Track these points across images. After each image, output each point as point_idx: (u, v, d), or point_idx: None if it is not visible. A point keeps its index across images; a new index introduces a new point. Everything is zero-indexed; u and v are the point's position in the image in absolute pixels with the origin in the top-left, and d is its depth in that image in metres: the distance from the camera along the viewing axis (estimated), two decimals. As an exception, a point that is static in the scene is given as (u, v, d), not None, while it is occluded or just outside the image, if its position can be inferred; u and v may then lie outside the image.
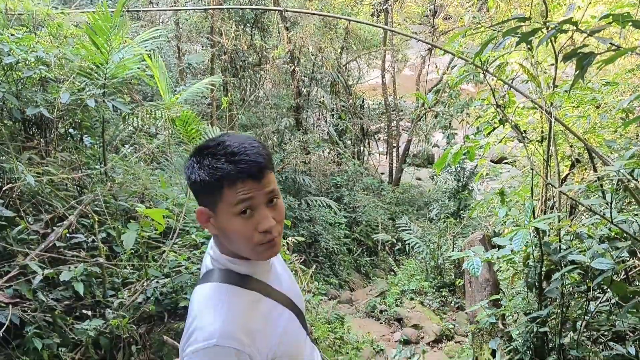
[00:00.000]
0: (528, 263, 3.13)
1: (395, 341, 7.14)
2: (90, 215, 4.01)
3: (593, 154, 3.30)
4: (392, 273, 9.94)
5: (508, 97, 4.69)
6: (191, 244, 4.39)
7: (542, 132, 4.91)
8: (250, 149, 1.29)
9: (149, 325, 3.97)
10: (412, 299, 8.29)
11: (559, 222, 2.81)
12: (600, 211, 2.81)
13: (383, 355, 6.51)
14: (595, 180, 2.89)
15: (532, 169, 3.17)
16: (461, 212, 10.86)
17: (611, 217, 2.48)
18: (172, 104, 6.01)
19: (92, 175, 4.58)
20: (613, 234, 2.68)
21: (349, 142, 14.06)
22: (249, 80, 11.20)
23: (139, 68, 5.34)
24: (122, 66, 4.94)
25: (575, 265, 2.73)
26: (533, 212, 2.84)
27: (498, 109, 4.68)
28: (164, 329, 3.95)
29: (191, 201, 4.89)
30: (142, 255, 4.17)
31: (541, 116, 4.97)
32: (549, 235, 3.07)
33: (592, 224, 2.82)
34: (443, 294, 8.52)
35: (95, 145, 5.41)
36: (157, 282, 4.03)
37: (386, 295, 8.47)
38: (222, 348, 1.22)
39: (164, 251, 4.27)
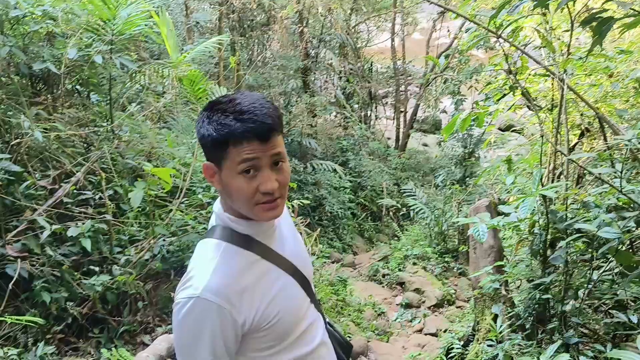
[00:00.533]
0: (533, 231, 3.13)
1: (397, 304, 7.23)
2: (97, 172, 4.01)
3: (604, 123, 3.26)
4: (396, 238, 9.98)
5: (521, 63, 4.62)
6: (198, 204, 4.42)
7: (553, 100, 4.85)
8: (260, 109, 1.28)
9: (155, 282, 4.04)
10: (415, 264, 8.35)
11: (566, 190, 2.80)
12: (609, 180, 2.79)
13: (384, 318, 6.60)
14: (606, 149, 2.87)
15: (541, 136, 3.14)
16: (467, 179, 10.84)
17: (620, 186, 2.46)
18: (179, 63, 5.95)
19: (99, 133, 4.57)
20: (621, 203, 2.67)
21: (356, 105, 13.94)
22: (256, 40, 11.06)
23: (146, 25, 5.27)
24: (129, 22, 4.87)
25: (581, 234, 2.73)
26: (541, 180, 2.82)
27: (509, 76, 4.62)
28: (170, 286, 4.01)
29: (198, 161, 4.90)
30: (149, 213, 4.20)
31: (552, 84, 4.90)
32: (555, 204, 3.07)
33: (600, 194, 2.81)
34: (446, 259, 8.57)
35: (102, 103, 5.39)
36: (163, 240, 4.07)
37: (389, 259, 8.53)
38: (204, 301, 1.24)
39: (171, 210, 4.30)
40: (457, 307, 7.33)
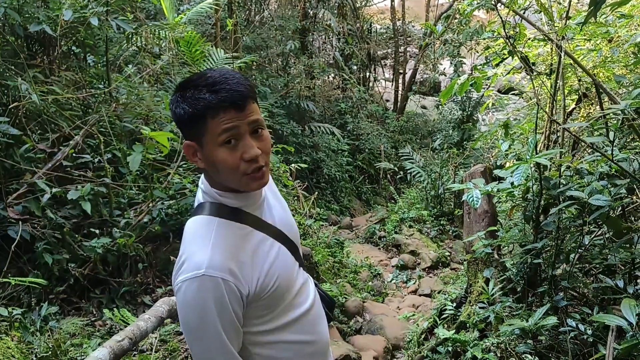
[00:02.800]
0: (527, 197, 3.18)
1: (393, 266, 7.35)
2: (95, 135, 4.03)
3: (601, 90, 3.27)
4: (393, 201, 10.07)
5: (519, 29, 4.59)
6: (196, 167, 4.44)
7: (551, 65, 4.83)
8: (232, 79, 1.30)
9: (154, 244, 4.10)
10: (410, 226, 8.45)
11: (560, 157, 2.83)
12: (602, 149, 2.82)
13: (380, 279, 6.72)
14: (600, 117, 2.89)
15: (537, 104, 3.16)
16: (464, 142, 10.86)
17: (612, 154, 2.50)
18: (176, 24, 5.89)
19: (97, 95, 4.57)
20: (613, 171, 2.71)
21: (354, 67, 13.82)
22: (254, 0, 10.89)
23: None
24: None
25: (573, 201, 2.78)
26: (536, 146, 2.85)
27: (507, 41, 4.59)
28: (169, 248, 4.08)
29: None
30: (148, 176, 4.23)
31: (551, 49, 4.88)
32: (549, 170, 3.11)
33: (593, 161, 2.84)
34: (441, 222, 8.67)
35: (99, 65, 5.36)
36: (162, 203, 4.12)
37: (386, 222, 8.63)
38: (209, 278, 1.25)
39: (169, 174, 4.33)
40: (451, 269, 7.45)
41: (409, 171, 9.45)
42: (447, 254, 7.80)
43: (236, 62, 6.76)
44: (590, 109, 4.65)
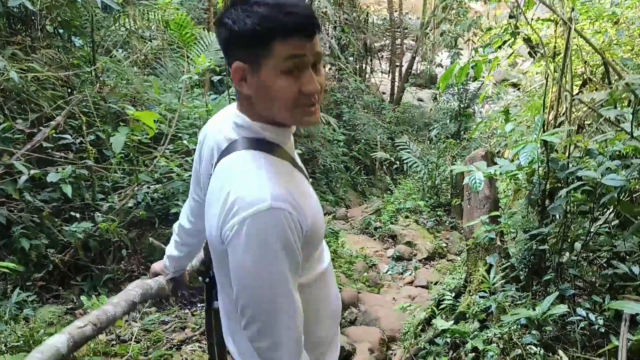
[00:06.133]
0: (532, 180, 3.01)
1: (388, 257, 7.18)
2: (78, 116, 3.83)
3: (610, 69, 3.09)
4: (389, 192, 9.88)
5: (523, 8, 4.40)
6: (183, 151, 4.25)
7: (555, 47, 4.66)
8: (301, 4, 1.16)
9: (139, 230, 3.92)
10: (407, 217, 8.28)
11: (569, 137, 2.66)
12: (620, 124, 2.64)
13: (375, 270, 6.55)
14: (617, 90, 2.70)
15: (546, 79, 2.98)
16: (462, 133, 10.69)
17: (632, 129, 2.32)
18: (166, 5, 5.68)
19: (81, 75, 4.36)
20: (625, 151, 2.54)
21: (351, 57, 13.61)
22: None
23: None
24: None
25: (582, 182, 2.61)
26: (543, 125, 2.68)
27: (511, 20, 4.42)
28: (155, 234, 3.89)
29: (184, 107, 4.71)
30: (133, 159, 4.04)
31: (555, 30, 4.70)
32: (556, 152, 2.93)
33: (605, 141, 2.66)
34: (438, 213, 8.50)
35: (85, 46, 5.14)
36: (148, 187, 3.93)
37: (381, 212, 8.45)
38: (276, 211, 1.11)
39: (155, 157, 4.14)
40: (448, 260, 7.29)
41: (405, 161, 9.25)
42: (444, 245, 7.64)
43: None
44: (595, 93, 4.47)
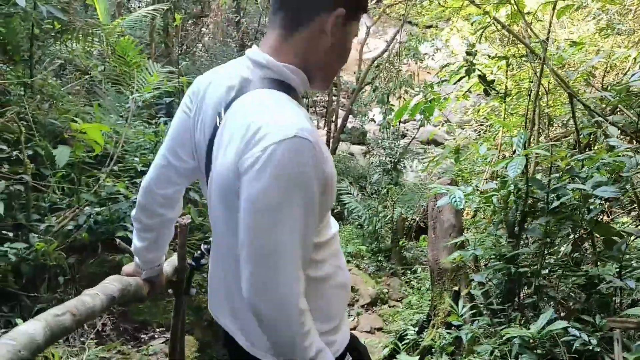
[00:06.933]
0: (508, 201, 2.95)
1: (331, 302, 6.95)
2: (15, 125, 3.45)
3: (574, 102, 3.13)
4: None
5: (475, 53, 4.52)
6: (132, 170, 3.93)
7: (506, 88, 4.79)
8: None
9: (80, 255, 3.51)
10: (348, 262, 8.13)
11: (551, 154, 2.63)
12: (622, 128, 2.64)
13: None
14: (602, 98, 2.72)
15: (529, 94, 2.98)
16: (400, 181, 10.81)
17: (637, 124, 2.28)
18: (113, 29, 5.43)
19: (14, 88, 3.98)
20: (613, 168, 2.52)
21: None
22: (190, 31, 10.52)
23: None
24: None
25: (561, 200, 2.56)
26: (525, 143, 2.64)
27: (467, 57, 4.50)
28: (97, 261, 3.50)
29: (129, 129, 4.42)
30: (75, 179, 3.68)
31: (506, 72, 4.86)
32: (535, 173, 2.91)
33: (587, 158, 2.65)
34: (379, 258, 8.43)
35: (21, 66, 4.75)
36: (91, 209, 3.56)
37: (322, 257, 8.26)
38: (302, 140, 1.04)
39: (99, 178, 3.79)
40: (390, 306, 7.18)
41: (345, 206, 9.18)
42: (386, 290, 7.53)
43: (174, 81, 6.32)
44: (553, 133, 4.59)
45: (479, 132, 8.13)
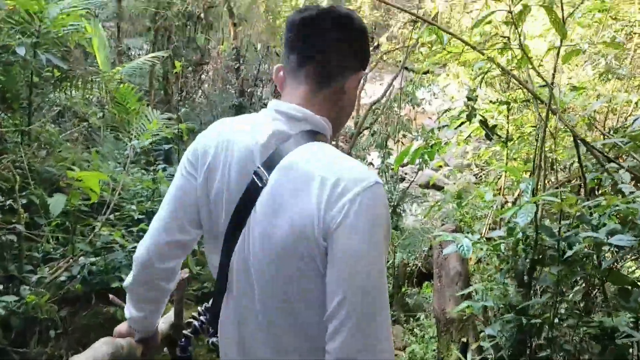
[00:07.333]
0: (517, 250, 2.85)
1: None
2: (10, 173, 3.38)
3: (579, 145, 3.08)
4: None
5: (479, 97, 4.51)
6: (128, 218, 3.84)
7: (508, 133, 4.77)
8: None
9: (72, 307, 3.39)
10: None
11: (562, 200, 2.55)
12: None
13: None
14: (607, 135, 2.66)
15: (536, 140, 2.93)
16: (400, 226, 10.70)
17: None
18: (112, 77, 5.44)
19: (11, 136, 3.94)
20: (625, 214, 2.44)
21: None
22: (190, 77, 10.61)
23: (77, 30, 4.76)
24: (60, 19, 4.36)
25: (575, 250, 2.47)
26: (534, 189, 2.57)
27: (469, 102, 4.49)
28: (90, 312, 3.38)
29: (127, 177, 4.35)
30: (70, 228, 3.59)
31: (507, 116, 4.84)
32: (543, 219, 2.82)
33: (597, 205, 2.56)
34: (381, 306, 8.25)
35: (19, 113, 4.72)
36: (85, 259, 3.45)
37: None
38: (381, 186, 1.10)
39: (95, 227, 3.70)
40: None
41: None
42: (389, 339, 7.33)
43: (172, 127, 6.31)
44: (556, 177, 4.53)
45: (479, 176, 8.08)
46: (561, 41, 2.65)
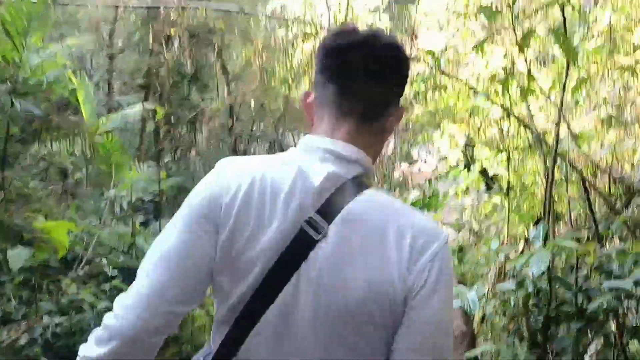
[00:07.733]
0: (529, 304, 2.55)
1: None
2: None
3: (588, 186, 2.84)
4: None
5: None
6: (101, 275, 3.53)
7: (509, 182, 4.55)
8: None
9: (30, 376, 3.02)
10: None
11: (578, 244, 2.28)
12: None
13: None
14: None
15: (546, 180, 2.67)
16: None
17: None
18: (96, 130, 5.25)
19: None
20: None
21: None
22: (184, 135, 10.53)
23: (59, 80, 4.61)
24: (39, 68, 4.21)
25: (598, 303, 2.18)
26: (546, 236, 2.30)
27: (465, 150, 4.30)
28: (52, 382, 3.01)
29: (103, 231, 4.08)
30: (35, 285, 3.28)
31: (508, 167, 4.63)
32: (555, 269, 2.53)
33: (620, 253, 2.28)
34: None
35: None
36: (50, 319, 3.12)
37: None
38: (447, 238, 1.05)
39: (64, 283, 3.39)
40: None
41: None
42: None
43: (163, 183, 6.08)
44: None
45: (478, 233, 7.82)
46: (567, 66, 2.45)
